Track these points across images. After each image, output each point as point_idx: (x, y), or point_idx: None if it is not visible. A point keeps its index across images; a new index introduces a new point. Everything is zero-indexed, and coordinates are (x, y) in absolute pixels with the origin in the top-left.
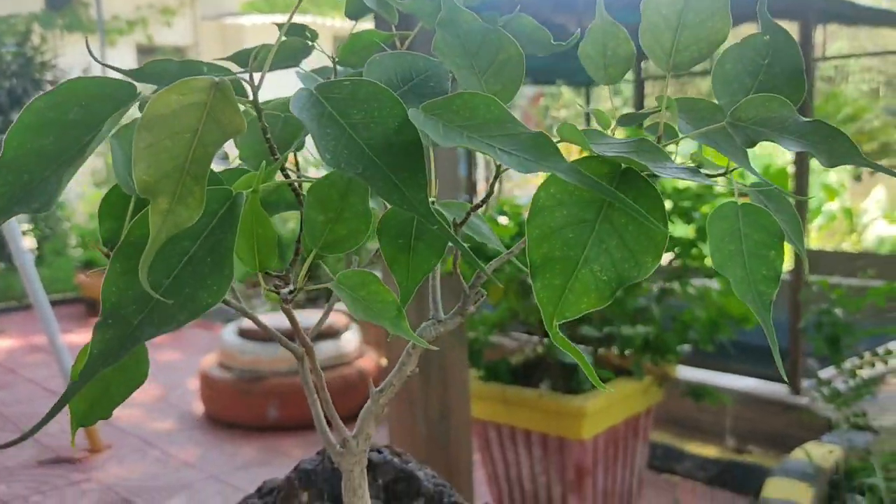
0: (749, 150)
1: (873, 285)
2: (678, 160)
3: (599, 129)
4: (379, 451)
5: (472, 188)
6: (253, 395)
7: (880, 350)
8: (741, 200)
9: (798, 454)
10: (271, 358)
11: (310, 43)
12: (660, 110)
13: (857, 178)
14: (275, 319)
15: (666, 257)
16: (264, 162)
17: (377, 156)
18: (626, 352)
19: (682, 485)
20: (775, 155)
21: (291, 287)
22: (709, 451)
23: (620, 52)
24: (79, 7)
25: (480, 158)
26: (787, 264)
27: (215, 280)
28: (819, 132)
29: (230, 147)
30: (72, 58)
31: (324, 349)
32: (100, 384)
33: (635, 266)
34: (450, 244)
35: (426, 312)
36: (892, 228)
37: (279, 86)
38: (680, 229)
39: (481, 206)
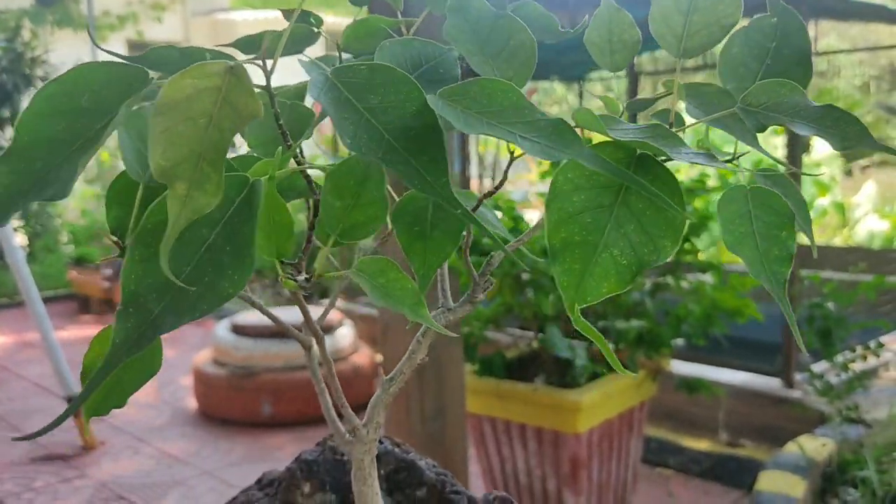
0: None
1: (865, 279)
2: None
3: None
4: (380, 442)
5: (465, 184)
6: (246, 392)
7: (872, 344)
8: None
9: (791, 447)
10: (264, 354)
11: (315, 30)
12: (670, 94)
13: (848, 173)
14: (275, 312)
15: None
16: (280, 148)
17: (396, 140)
18: (620, 346)
19: (676, 478)
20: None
21: (306, 275)
22: (702, 444)
23: (626, 37)
24: (69, 3)
25: (474, 155)
26: None
27: (236, 269)
28: (830, 116)
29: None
30: (62, 53)
31: None
32: (114, 374)
33: (654, 250)
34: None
35: (435, 301)
36: (882, 223)
37: (277, 73)
38: None
39: (495, 192)
